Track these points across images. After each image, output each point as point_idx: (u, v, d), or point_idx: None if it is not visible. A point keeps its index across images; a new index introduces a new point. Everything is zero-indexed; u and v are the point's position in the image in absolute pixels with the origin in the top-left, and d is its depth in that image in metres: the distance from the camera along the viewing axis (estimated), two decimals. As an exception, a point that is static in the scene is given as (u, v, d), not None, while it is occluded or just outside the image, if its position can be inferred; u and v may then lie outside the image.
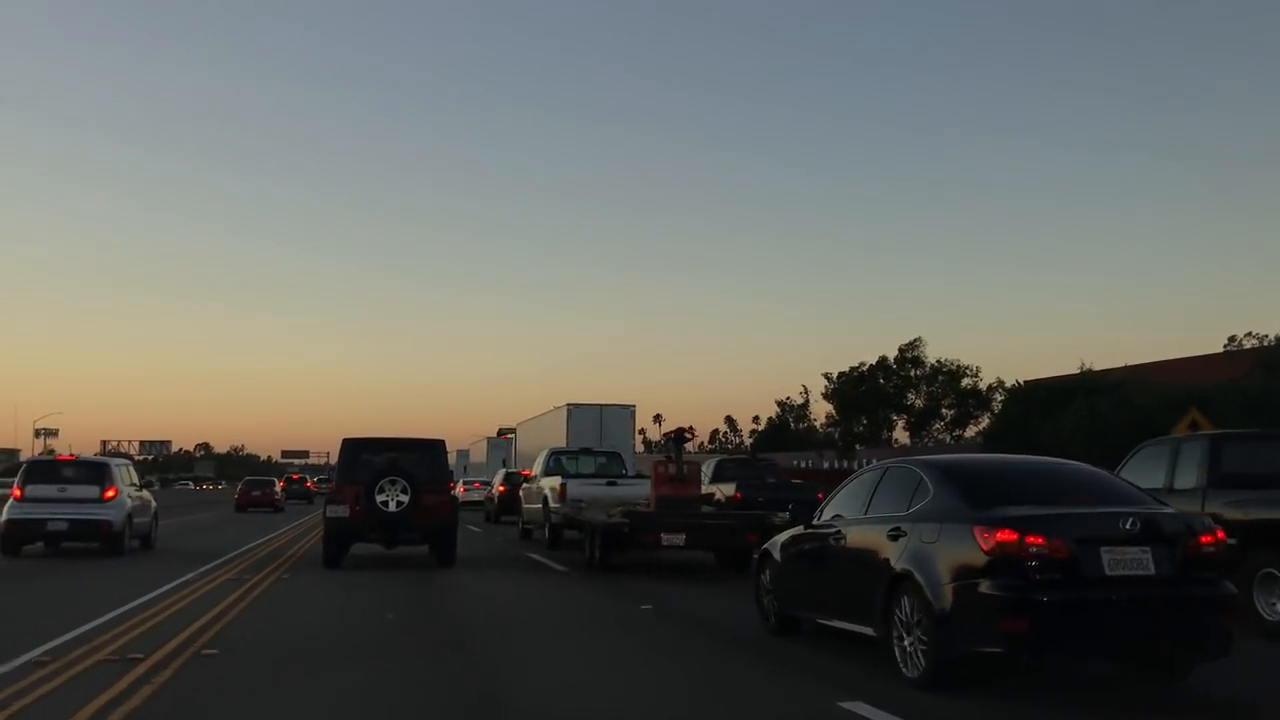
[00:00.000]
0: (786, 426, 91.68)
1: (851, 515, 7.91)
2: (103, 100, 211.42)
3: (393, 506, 15.40)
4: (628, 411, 34.71)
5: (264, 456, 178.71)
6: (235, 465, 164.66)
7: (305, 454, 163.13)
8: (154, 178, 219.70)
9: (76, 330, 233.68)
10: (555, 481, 19.02)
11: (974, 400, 70.97)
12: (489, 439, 55.91)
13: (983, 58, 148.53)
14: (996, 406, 65.52)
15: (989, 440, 49.64)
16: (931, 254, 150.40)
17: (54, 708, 6.02)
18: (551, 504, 18.74)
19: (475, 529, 27.80)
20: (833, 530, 7.99)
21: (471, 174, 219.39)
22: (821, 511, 8.50)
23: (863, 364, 74.71)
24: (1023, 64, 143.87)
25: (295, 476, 68.73)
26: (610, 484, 18.66)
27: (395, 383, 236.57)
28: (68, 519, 17.01)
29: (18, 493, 17.41)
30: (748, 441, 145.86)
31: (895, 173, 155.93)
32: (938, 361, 72.19)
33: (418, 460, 16.17)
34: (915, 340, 72.97)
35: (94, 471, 17.62)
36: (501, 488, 31.16)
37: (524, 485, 22.86)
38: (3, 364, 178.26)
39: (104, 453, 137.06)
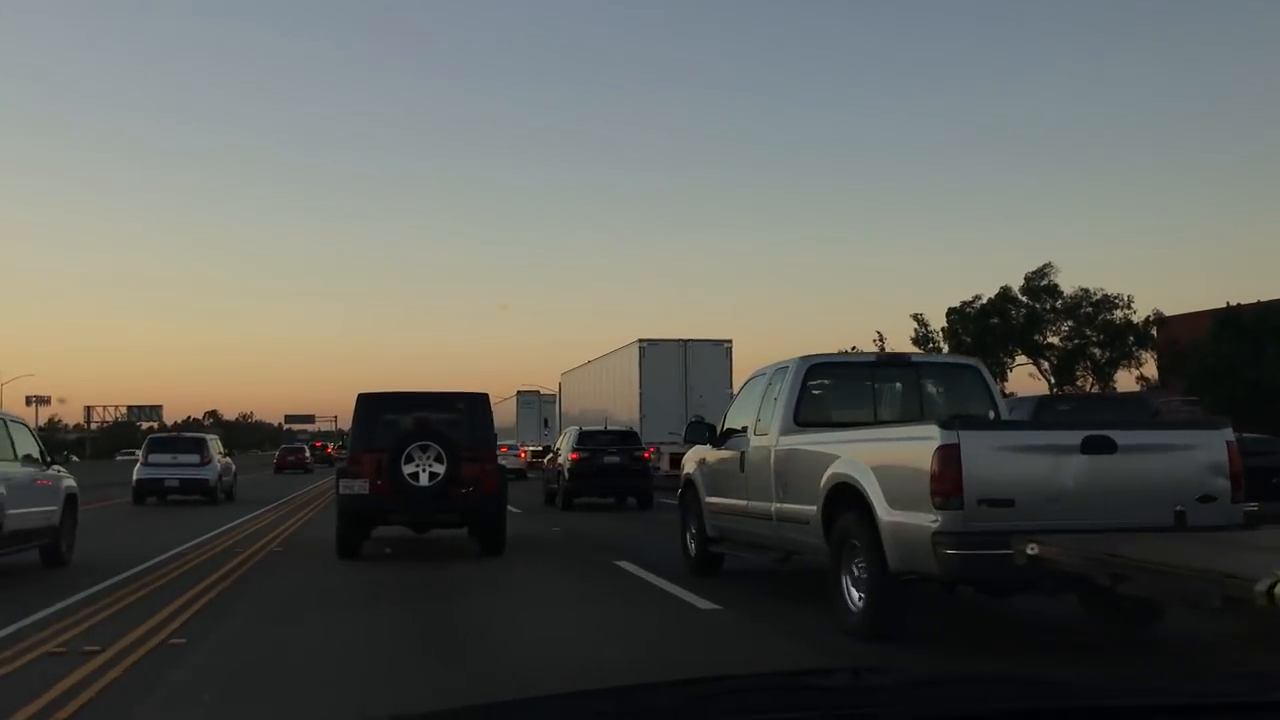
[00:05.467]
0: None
1: None
2: (80, 49, 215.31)
3: (424, 479, 12.82)
4: (722, 348, 28.43)
5: (275, 423, 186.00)
6: (244, 432, 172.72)
7: (311, 418, 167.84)
8: (149, 138, 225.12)
9: (47, 291, 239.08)
10: (914, 451, 7.05)
11: (1132, 336, 57.92)
12: (518, 393, 50.64)
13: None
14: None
15: (1196, 384, 35.61)
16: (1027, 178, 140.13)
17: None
18: (912, 525, 6.98)
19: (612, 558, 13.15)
20: None
21: (471, 127, 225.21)
22: None
23: (978, 297, 62.56)
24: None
25: (317, 445, 79.77)
26: (1097, 444, 6.93)
27: (404, 346, 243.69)
28: (179, 478, 25.59)
29: (143, 460, 25.82)
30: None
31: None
32: (1080, 290, 59.84)
33: (455, 420, 13.85)
34: (1044, 267, 60.81)
35: (195, 444, 26.35)
36: (575, 455, 22.92)
37: (698, 458, 11.52)
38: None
39: (88, 418, 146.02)
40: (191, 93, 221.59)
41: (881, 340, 73.18)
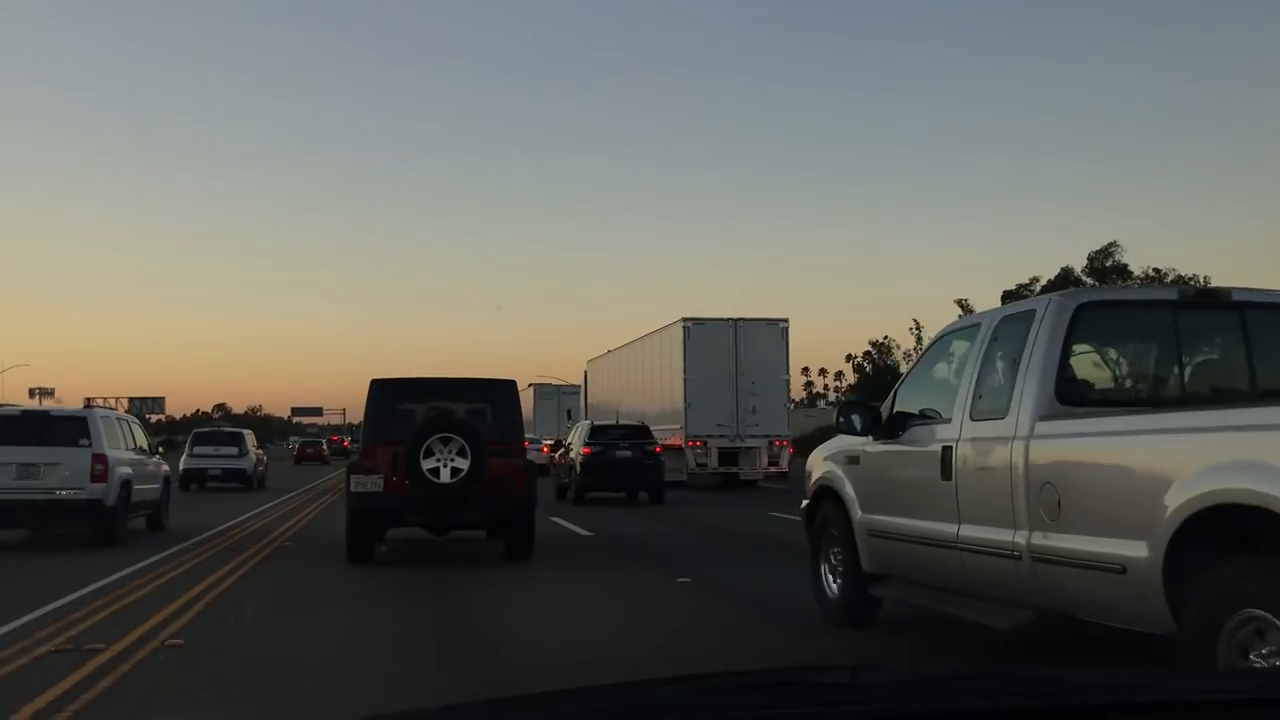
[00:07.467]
0: (885, 374, 68.47)
1: None
2: (81, 44, 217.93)
3: (446, 475, 11.78)
4: (777, 328, 26.63)
5: (286, 417, 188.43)
6: (253, 425, 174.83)
7: (319, 411, 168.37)
8: (151, 131, 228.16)
9: (47, 282, 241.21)
10: None
11: None
12: (534, 385, 48.51)
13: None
14: None
15: None
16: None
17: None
18: None
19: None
20: None
21: (477, 118, 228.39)
22: None
23: (1035, 279, 58.10)
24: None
25: (334, 438, 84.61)
26: None
27: (412, 338, 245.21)
28: (220, 468, 29.72)
29: (188, 451, 29.88)
30: (833, 394, 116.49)
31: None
32: (1154, 270, 55.11)
33: (480, 410, 13.06)
34: (1110, 245, 56.80)
35: (234, 437, 30.57)
36: (586, 449, 22.91)
37: (846, 454, 8.07)
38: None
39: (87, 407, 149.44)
40: (196, 88, 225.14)
41: (919, 329, 68.46)
